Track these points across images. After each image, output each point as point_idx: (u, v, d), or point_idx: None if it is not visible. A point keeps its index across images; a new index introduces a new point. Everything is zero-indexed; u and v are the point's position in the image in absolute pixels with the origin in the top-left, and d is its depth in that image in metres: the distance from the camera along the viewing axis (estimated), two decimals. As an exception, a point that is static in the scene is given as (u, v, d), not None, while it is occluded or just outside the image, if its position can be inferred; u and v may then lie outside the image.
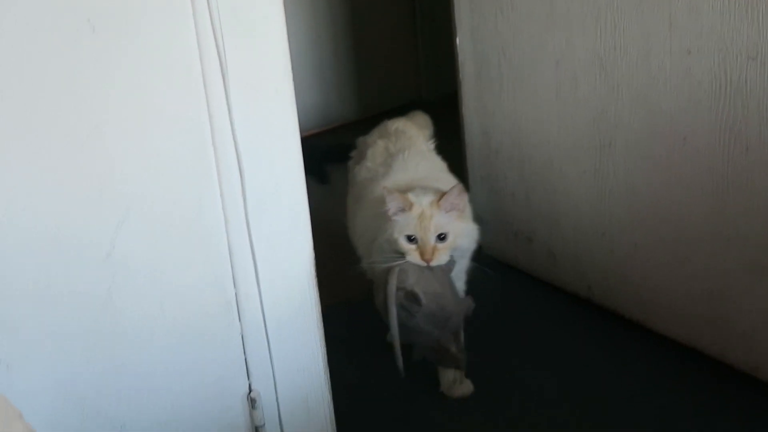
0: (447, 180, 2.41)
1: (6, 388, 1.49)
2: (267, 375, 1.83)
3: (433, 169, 2.47)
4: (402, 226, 2.14)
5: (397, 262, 2.12)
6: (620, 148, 2.41)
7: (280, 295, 1.81)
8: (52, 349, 1.60)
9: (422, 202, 2.16)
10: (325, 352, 1.90)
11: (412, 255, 2.13)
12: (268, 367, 1.83)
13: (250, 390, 1.82)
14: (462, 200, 2.17)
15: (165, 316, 1.69)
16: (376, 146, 2.54)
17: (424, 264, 2.12)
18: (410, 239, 2.13)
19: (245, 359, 1.79)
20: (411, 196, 2.18)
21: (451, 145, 2.80)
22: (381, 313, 2.13)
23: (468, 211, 2.24)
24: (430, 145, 2.64)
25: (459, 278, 2.31)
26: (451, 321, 2.13)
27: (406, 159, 2.44)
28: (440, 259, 2.13)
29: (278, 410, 1.86)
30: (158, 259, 1.66)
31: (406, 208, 2.15)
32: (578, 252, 2.68)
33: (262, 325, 1.79)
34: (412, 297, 2.05)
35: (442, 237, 2.13)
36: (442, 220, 2.13)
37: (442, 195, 2.15)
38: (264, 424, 1.83)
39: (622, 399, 2.30)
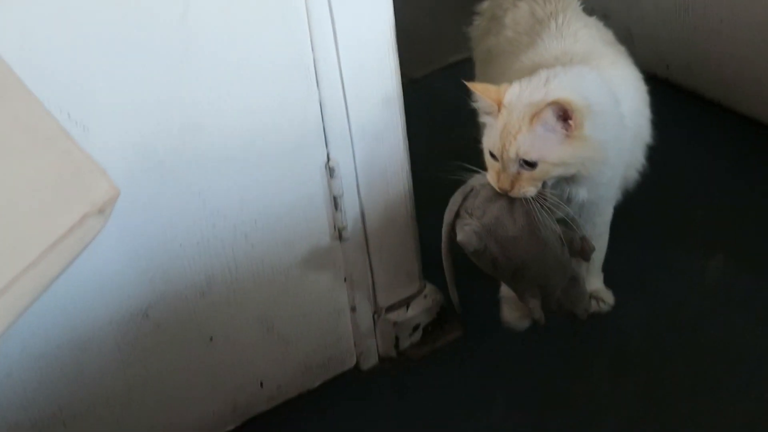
0: (611, 56, 1.87)
1: (84, 148, 1.44)
2: (345, 144, 1.76)
3: (596, 40, 1.91)
4: (487, 134, 1.67)
5: (474, 177, 1.69)
6: None
7: (360, 62, 1.71)
8: (128, 111, 1.53)
9: (514, 107, 1.62)
10: (405, 122, 1.82)
11: (490, 175, 1.66)
12: (347, 137, 1.76)
13: (329, 159, 1.76)
14: (573, 118, 1.58)
15: (241, 81, 1.61)
16: (517, 10, 2.00)
17: (498, 191, 1.65)
18: (492, 155, 1.66)
19: (323, 128, 1.73)
20: (510, 90, 1.64)
21: None
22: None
23: (587, 126, 1.61)
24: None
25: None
26: (527, 271, 1.68)
27: (560, 26, 1.90)
28: (523, 191, 1.62)
29: (356, 180, 1.80)
30: (234, 20, 1.56)
31: (491, 110, 1.66)
32: (657, 30, 2.57)
33: (341, 92, 1.71)
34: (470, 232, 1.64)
35: (528, 163, 1.62)
36: (531, 141, 1.59)
37: (545, 105, 1.58)
38: (342, 194, 1.79)
39: (701, 178, 2.24)
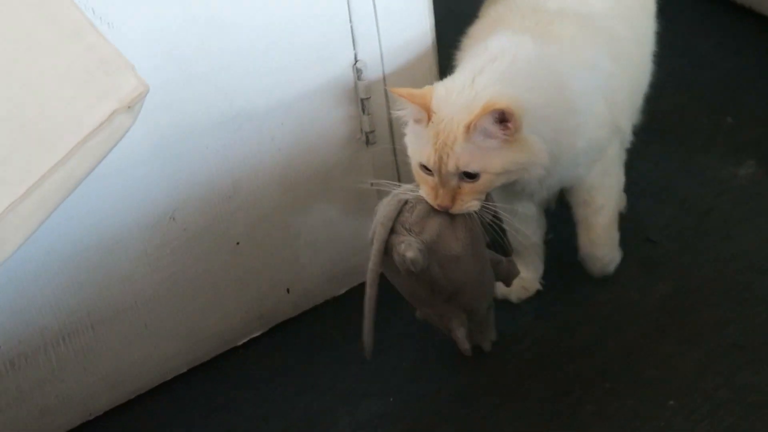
0: (641, 30, 1.75)
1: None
2: (373, 45, 1.73)
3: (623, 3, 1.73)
4: (415, 144, 1.51)
5: (401, 188, 1.54)
6: None
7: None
8: (153, 8, 1.50)
9: (444, 113, 1.45)
10: (434, 26, 1.78)
11: (425, 191, 1.50)
12: (375, 37, 1.72)
13: (356, 60, 1.73)
14: (511, 122, 1.42)
15: (267, -23, 1.58)
16: None
17: (437, 208, 1.49)
18: (424, 168, 1.49)
19: (351, 27, 1.69)
20: (436, 94, 1.47)
21: None
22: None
23: (524, 128, 1.45)
24: None
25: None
26: (462, 295, 1.56)
27: None
28: (467, 206, 1.48)
29: (384, 82, 1.77)
30: None
31: (420, 117, 1.48)
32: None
33: (368, -8, 1.68)
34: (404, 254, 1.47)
35: (469, 175, 1.47)
36: (470, 151, 1.44)
37: (482, 110, 1.41)
38: (370, 97, 1.76)
39: (732, 85, 2.20)
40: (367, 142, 1.81)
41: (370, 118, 1.78)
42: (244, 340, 1.87)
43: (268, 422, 1.71)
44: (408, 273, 1.49)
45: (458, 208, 1.48)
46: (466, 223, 1.50)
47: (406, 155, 1.58)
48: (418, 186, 1.53)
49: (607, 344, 1.73)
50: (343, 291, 1.95)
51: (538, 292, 1.86)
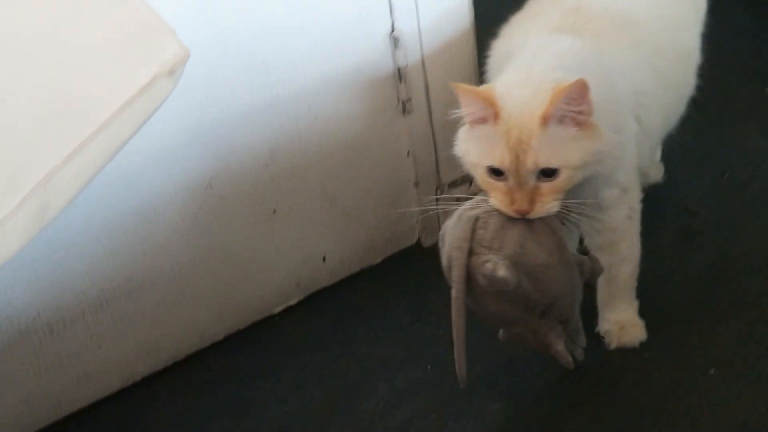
0: (688, 42, 1.65)
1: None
2: (411, 14, 1.72)
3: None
4: (481, 148, 1.39)
5: (469, 205, 1.40)
6: None
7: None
8: (193, -25, 1.50)
9: (512, 107, 1.34)
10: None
11: (497, 198, 1.38)
12: (413, 6, 1.71)
13: (393, 28, 1.71)
14: (585, 101, 1.32)
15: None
16: None
17: (513, 215, 1.38)
18: (495, 172, 1.38)
19: (388, -4, 1.68)
20: (498, 90, 1.37)
21: None
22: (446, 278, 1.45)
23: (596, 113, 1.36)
24: None
25: None
26: (557, 306, 1.44)
27: None
28: (547, 207, 1.37)
29: (421, 51, 1.76)
30: None
31: (487, 116, 1.37)
32: None
33: (407, -44, 1.67)
34: (493, 273, 1.34)
35: (548, 172, 1.36)
36: (549, 144, 1.33)
37: (556, 95, 1.31)
38: (407, 65, 1.75)
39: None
40: (404, 111, 1.80)
41: (407, 86, 1.77)
42: (281, 308, 1.87)
43: (306, 390, 1.71)
44: (498, 294, 1.37)
45: (538, 211, 1.36)
46: (547, 227, 1.38)
47: (456, 164, 1.46)
48: (483, 199, 1.41)
49: (647, 315, 1.71)
50: (379, 260, 1.95)
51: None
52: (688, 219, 1.89)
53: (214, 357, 1.80)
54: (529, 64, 1.42)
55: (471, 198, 1.43)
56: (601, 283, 1.67)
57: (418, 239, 1.98)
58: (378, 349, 1.77)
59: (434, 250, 1.94)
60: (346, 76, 1.72)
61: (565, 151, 1.34)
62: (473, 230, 1.38)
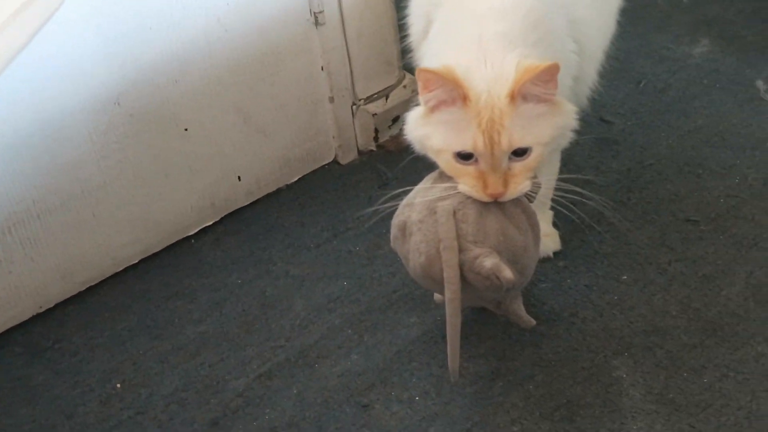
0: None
1: None
2: None
3: None
4: (446, 133, 1.32)
5: (441, 197, 1.34)
6: None
7: None
8: None
9: (479, 85, 1.28)
10: None
11: (468, 184, 1.33)
12: None
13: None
14: (554, 80, 1.28)
15: None
16: None
17: (487, 199, 1.33)
18: (463, 157, 1.32)
19: None
20: (457, 69, 1.28)
21: None
22: (419, 280, 1.41)
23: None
24: None
25: None
26: (526, 279, 1.42)
27: None
28: (520, 188, 1.33)
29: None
30: None
31: (455, 98, 1.29)
32: None
33: None
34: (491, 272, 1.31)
35: (520, 152, 1.32)
36: (521, 123, 1.29)
37: (524, 74, 1.27)
38: (323, 11, 1.71)
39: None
40: (317, 23, 1.77)
41: (319, -3, 1.74)
42: (197, 230, 1.84)
43: (223, 309, 1.69)
44: (487, 287, 1.33)
45: (512, 192, 1.32)
46: (518, 207, 1.36)
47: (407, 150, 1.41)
48: (450, 186, 1.34)
49: (562, 225, 1.72)
50: (296, 178, 1.93)
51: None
52: (604, 128, 1.89)
53: (129, 280, 1.78)
54: (477, 33, 1.33)
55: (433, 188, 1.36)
56: None
57: (335, 156, 1.96)
58: (294, 267, 1.75)
59: (351, 167, 1.94)
60: (256, -13, 1.68)
61: (537, 129, 1.30)
62: (454, 226, 1.32)
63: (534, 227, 1.39)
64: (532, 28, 1.36)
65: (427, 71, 1.28)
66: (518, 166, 1.31)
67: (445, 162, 1.34)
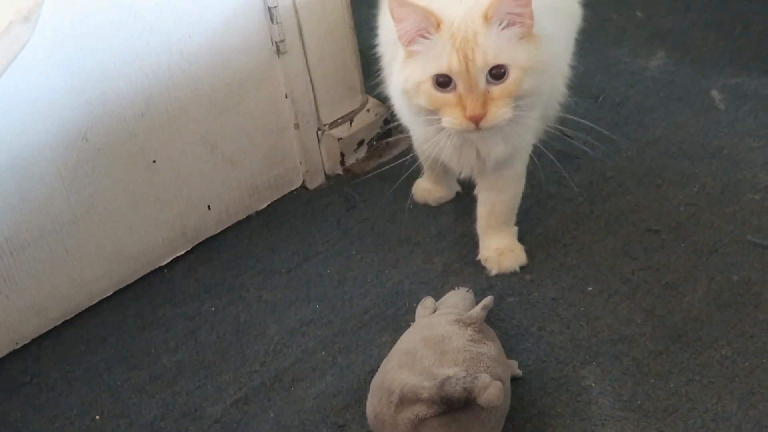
0: None
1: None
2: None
3: None
4: (424, 63, 1.36)
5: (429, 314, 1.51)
6: None
7: None
8: None
9: (451, 11, 1.35)
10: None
11: (450, 114, 1.36)
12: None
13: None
14: (528, 5, 1.34)
15: None
16: None
17: (470, 128, 1.36)
18: (442, 83, 1.36)
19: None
20: (439, 7, 1.35)
21: None
22: None
23: (536, 26, 1.37)
24: None
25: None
26: None
27: None
28: (500, 113, 1.35)
29: (298, 24, 1.79)
30: None
31: (429, 27, 1.35)
32: None
33: None
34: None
35: (497, 74, 1.36)
36: (495, 40, 1.33)
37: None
38: (277, 5, 1.74)
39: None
40: (278, 52, 1.80)
41: (280, 27, 1.77)
42: (169, 260, 1.86)
43: (198, 336, 1.71)
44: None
45: (492, 117, 1.34)
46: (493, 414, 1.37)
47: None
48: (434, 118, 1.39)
49: (527, 239, 1.76)
50: (265, 205, 1.95)
51: (457, 193, 1.88)
52: (566, 144, 1.93)
53: (104, 313, 1.79)
54: None
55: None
56: (482, 214, 1.72)
57: (303, 182, 1.99)
58: (267, 292, 1.77)
59: (319, 191, 1.97)
60: (216, 18, 1.70)
61: (512, 49, 1.33)
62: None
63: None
64: None
65: (399, 1, 1.33)
66: (497, 89, 1.34)
67: (426, 96, 1.37)
